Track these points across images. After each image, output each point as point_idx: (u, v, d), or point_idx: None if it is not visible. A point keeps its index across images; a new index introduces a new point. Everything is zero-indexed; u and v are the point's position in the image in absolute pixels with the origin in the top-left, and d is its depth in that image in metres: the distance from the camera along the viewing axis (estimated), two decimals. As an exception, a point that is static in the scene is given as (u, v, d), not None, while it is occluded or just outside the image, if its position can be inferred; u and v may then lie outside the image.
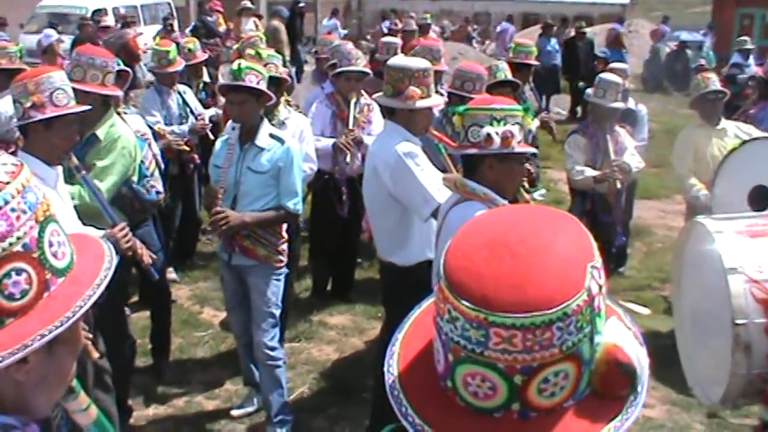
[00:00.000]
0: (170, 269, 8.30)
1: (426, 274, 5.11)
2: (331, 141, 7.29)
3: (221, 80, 9.32)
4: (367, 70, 7.59)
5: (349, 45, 7.85)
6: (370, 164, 5.17)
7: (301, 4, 18.68)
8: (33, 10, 25.45)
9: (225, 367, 6.79)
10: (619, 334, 1.51)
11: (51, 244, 1.54)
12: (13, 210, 1.46)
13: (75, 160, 4.59)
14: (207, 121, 8.37)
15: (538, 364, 1.41)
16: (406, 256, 5.14)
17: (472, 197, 4.01)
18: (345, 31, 22.60)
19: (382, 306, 7.55)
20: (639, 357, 1.51)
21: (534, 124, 6.89)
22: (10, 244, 1.46)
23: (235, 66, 5.36)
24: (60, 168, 4.42)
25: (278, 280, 5.60)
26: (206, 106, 8.96)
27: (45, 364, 1.55)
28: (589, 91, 7.64)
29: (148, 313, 6.93)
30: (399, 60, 5.39)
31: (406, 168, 4.87)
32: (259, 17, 20.18)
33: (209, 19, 17.65)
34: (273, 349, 5.62)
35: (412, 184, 4.88)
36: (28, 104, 4.20)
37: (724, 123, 7.57)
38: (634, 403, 1.51)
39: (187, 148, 7.99)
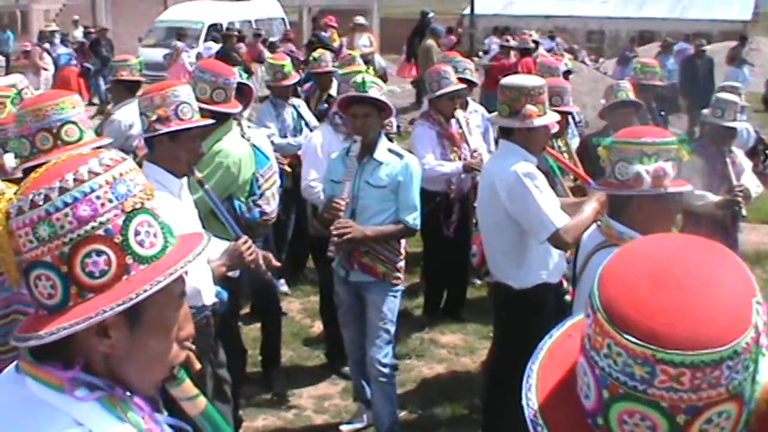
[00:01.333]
0: (281, 281, 8.36)
1: (541, 297, 5.01)
2: (456, 164, 7.24)
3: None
4: (461, 85, 7.55)
5: (441, 67, 7.73)
6: (486, 184, 5.06)
7: (431, 14, 18.46)
8: (152, 25, 26.20)
9: (335, 381, 6.78)
10: None
11: (137, 233, 1.69)
12: (98, 197, 1.64)
13: (198, 174, 4.64)
14: None
15: (704, 404, 1.33)
16: (522, 278, 5.02)
17: (618, 243, 3.59)
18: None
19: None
20: None
21: None
22: (93, 228, 1.64)
23: (359, 79, 5.37)
24: (184, 179, 4.47)
25: (395, 297, 5.57)
26: (321, 119, 9.00)
27: (128, 341, 1.70)
28: (706, 111, 7.33)
29: (259, 324, 6.97)
30: (514, 79, 5.29)
31: (525, 189, 4.74)
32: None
33: (323, 34, 17.82)
34: (386, 365, 5.59)
35: (530, 207, 4.75)
36: (154, 117, 4.26)
37: None
38: None
39: (287, 167, 7.96)
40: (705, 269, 1.39)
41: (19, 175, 3.77)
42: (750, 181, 6.99)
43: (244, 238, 4.57)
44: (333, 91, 9.35)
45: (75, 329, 1.60)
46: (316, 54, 9.79)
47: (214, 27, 23.63)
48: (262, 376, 6.70)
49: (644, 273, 1.39)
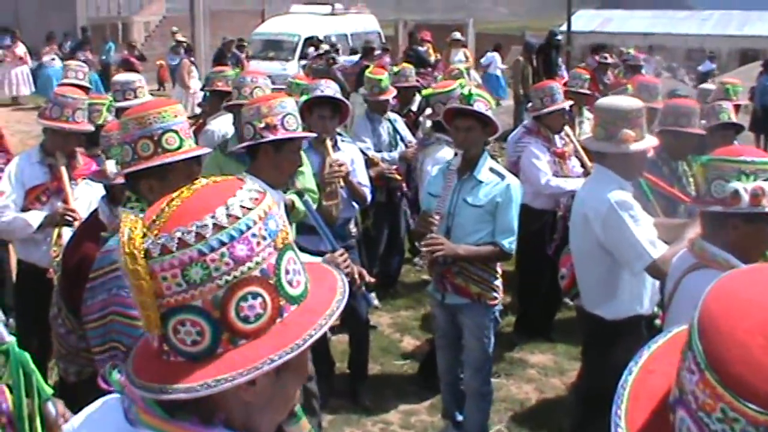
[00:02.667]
0: (372, 295, 8.38)
1: (634, 330, 4.84)
2: (579, 181, 7.07)
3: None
4: (570, 102, 7.55)
5: (550, 83, 7.68)
6: (579, 211, 4.88)
7: (558, 37, 18.26)
8: (249, 37, 26.61)
9: (423, 397, 6.75)
10: None
11: (287, 272, 1.59)
12: (254, 235, 1.53)
13: (299, 184, 4.71)
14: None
15: None
16: (614, 309, 4.85)
17: (711, 264, 3.53)
18: (503, 66, 22.17)
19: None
20: None
21: None
22: (249, 269, 1.52)
23: (465, 91, 5.31)
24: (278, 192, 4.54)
25: (491, 318, 5.51)
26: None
27: (272, 387, 1.60)
28: None
29: (347, 337, 7.00)
30: (611, 101, 5.07)
31: (620, 219, 4.56)
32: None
33: (420, 48, 17.87)
34: (484, 384, 5.60)
35: (625, 237, 4.57)
36: (261, 125, 4.36)
37: None
38: None
39: (398, 177, 8.02)
40: None
41: (120, 180, 3.89)
42: None
43: (341, 250, 4.61)
44: (414, 107, 9.41)
45: (239, 381, 1.48)
46: (397, 68, 9.83)
47: (309, 40, 23.87)
48: (350, 389, 6.72)
49: (756, 326, 1.24)
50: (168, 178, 3.37)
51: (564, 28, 32.67)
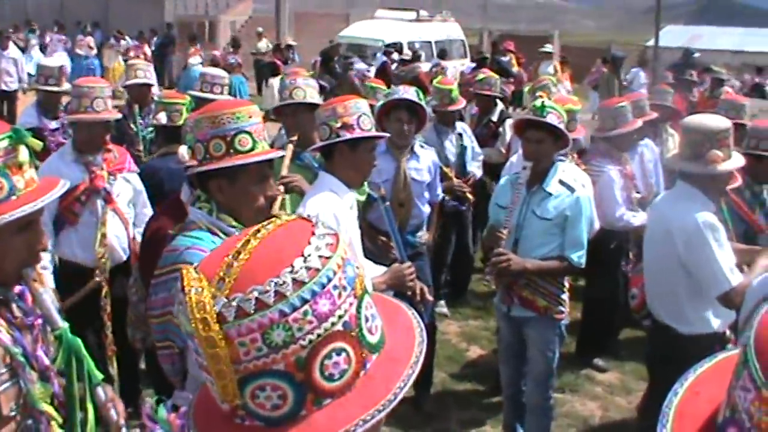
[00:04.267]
0: (441, 302, 8.36)
1: (706, 346, 4.75)
2: (644, 217, 7.02)
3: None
4: (639, 123, 7.35)
5: (619, 103, 7.42)
6: (661, 227, 4.81)
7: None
8: (335, 40, 26.75)
9: (485, 408, 6.73)
10: None
11: (366, 319, 1.46)
12: (335, 287, 1.39)
13: (383, 190, 4.73)
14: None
15: None
16: (690, 323, 4.80)
17: None
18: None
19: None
20: None
21: None
22: (332, 324, 1.39)
23: (538, 102, 5.27)
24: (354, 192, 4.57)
25: (557, 332, 5.45)
26: (483, 143, 8.96)
27: None
28: None
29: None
30: (698, 120, 4.94)
31: (705, 241, 4.53)
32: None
33: (503, 59, 17.80)
34: (547, 399, 5.55)
35: (707, 260, 4.54)
36: (339, 125, 4.40)
37: None
38: None
39: (470, 197, 7.94)
40: None
41: (192, 163, 4.00)
42: None
43: (409, 263, 4.62)
44: (495, 117, 9.31)
45: None
46: (481, 75, 9.74)
47: (393, 46, 23.93)
48: (413, 396, 6.68)
49: None
50: (239, 180, 3.36)
51: (651, 43, 32.32)
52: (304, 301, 1.35)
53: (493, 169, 8.69)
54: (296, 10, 33.41)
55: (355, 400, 1.41)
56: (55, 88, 7.83)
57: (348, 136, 4.40)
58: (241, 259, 1.38)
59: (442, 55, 24.48)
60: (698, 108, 14.71)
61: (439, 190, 6.60)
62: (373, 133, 4.57)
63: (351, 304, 1.42)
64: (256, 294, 1.34)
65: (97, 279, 5.52)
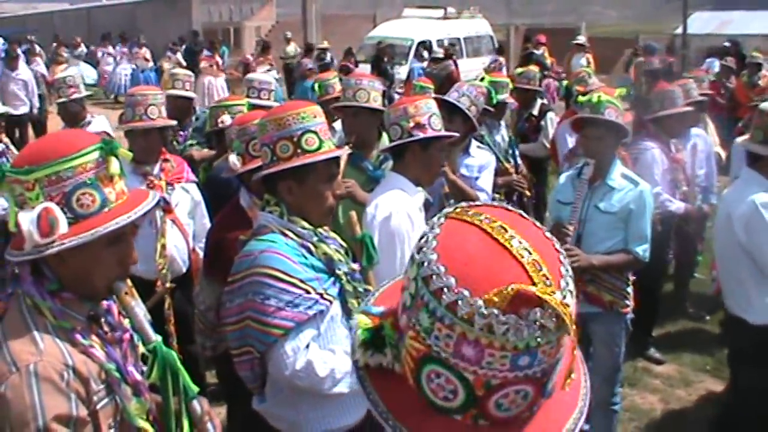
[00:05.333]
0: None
1: None
2: (681, 205, 7.10)
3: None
4: (690, 108, 7.28)
5: (671, 86, 7.42)
6: (724, 211, 4.83)
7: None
8: (361, 42, 26.79)
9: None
10: None
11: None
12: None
13: (447, 188, 4.71)
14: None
15: None
16: (759, 313, 4.74)
17: None
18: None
19: (711, 358, 7.22)
20: None
21: None
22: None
23: (594, 98, 5.22)
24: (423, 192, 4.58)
25: (623, 326, 5.41)
26: (523, 139, 8.91)
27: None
28: None
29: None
30: None
31: (763, 221, 4.52)
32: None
33: (536, 52, 17.71)
34: (614, 395, 5.53)
35: (766, 240, 4.53)
36: (412, 124, 4.42)
37: None
38: None
39: (527, 192, 7.82)
40: None
41: (245, 169, 4.04)
42: None
43: None
44: (535, 110, 9.24)
45: None
46: (520, 69, 9.69)
47: (422, 44, 23.90)
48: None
49: None
50: (308, 180, 3.41)
51: (680, 31, 32.08)
52: None
53: (534, 164, 8.65)
54: (323, 12, 33.42)
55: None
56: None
57: (421, 135, 4.44)
58: (530, 249, 1.39)
59: (477, 51, 24.50)
60: (737, 95, 14.60)
61: (489, 187, 6.52)
62: (445, 132, 4.61)
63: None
64: (569, 272, 1.39)
65: (166, 287, 5.45)
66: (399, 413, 1.44)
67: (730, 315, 5.02)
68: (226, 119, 6.17)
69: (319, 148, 3.40)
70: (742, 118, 9.85)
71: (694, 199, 7.37)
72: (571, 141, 7.81)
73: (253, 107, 6.42)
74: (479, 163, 6.30)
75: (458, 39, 26.76)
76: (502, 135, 7.98)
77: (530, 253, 1.36)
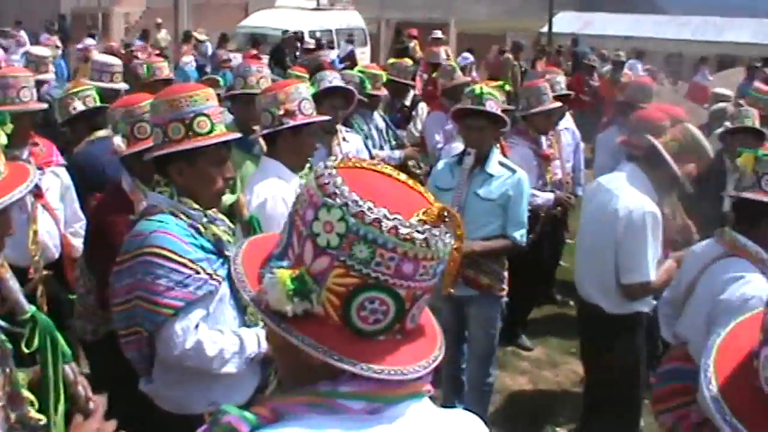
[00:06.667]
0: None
1: (632, 324, 5.00)
2: (549, 196, 7.27)
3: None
4: (559, 103, 7.52)
5: (540, 83, 7.63)
6: (608, 206, 4.87)
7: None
8: (233, 31, 26.52)
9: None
10: None
11: None
12: None
13: None
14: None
15: None
16: (615, 303, 4.96)
17: (740, 254, 3.72)
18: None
19: (576, 341, 7.51)
20: None
21: None
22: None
23: (477, 90, 5.34)
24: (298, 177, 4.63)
25: (498, 309, 5.58)
26: (398, 127, 9.02)
27: None
28: None
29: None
30: (696, 132, 4.91)
31: (644, 230, 4.68)
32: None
33: (410, 45, 17.95)
34: (488, 375, 5.69)
35: (639, 248, 4.71)
36: (281, 112, 4.45)
37: None
38: None
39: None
40: None
41: (129, 152, 4.05)
42: None
43: None
44: (407, 101, 9.41)
45: None
46: (393, 60, 9.83)
47: (295, 35, 23.87)
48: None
49: None
50: (198, 163, 3.42)
51: (545, 29, 32.93)
52: None
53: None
54: (194, 0, 32.90)
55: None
56: None
57: (291, 123, 4.47)
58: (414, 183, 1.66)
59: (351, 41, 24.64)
60: (602, 92, 15.18)
61: None
62: (315, 118, 4.65)
63: None
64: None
65: (42, 274, 5.26)
66: (337, 349, 1.57)
67: (586, 302, 5.19)
68: (78, 105, 6.10)
69: (210, 132, 3.41)
70: (606, 114, 10.25)
71: (569, 187, 7.64)
72: (438, 136, 8.03)
73: (99, 91, 6.44)
74: (355, 148, 6.42)
75: (331, 30, 26.82)
76: (376, 124, 8.10)
77: (410, 182, 1.64)
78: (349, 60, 19.29)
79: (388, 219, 1.52)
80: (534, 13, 53.71)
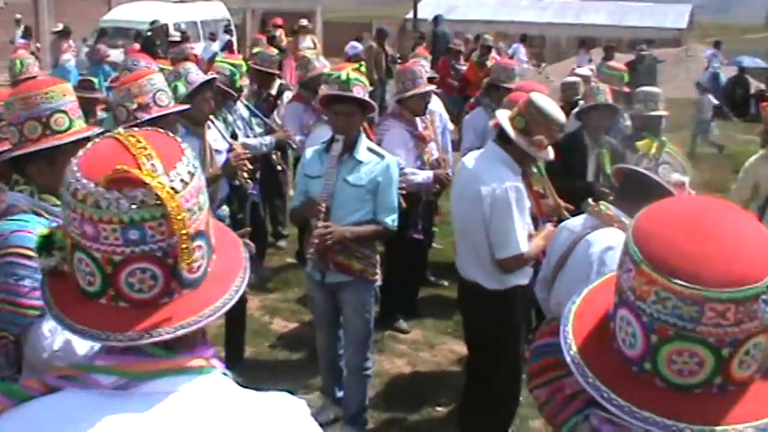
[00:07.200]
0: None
1: (512, 299, 5.08)
2: (428, 174, 7.32)
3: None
4: (433, 86, 7.68)
5: (414, 66, 7.72)
6: (473, 187, 4.91)
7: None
8: (96, 25, 25.92)
9: (296, 376, 6.82)
10: None
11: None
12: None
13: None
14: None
15: (744, 336, 1.54)
16: (494, 279, 5.04)
17: (615, 224, 3.85)
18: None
19: (451, 321, 7.64)
20: None
21: None
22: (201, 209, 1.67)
23: (343, 76, 5.32)
24: None
25: (372, 294, 5.61)
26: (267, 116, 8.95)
27: None
28: (637, 105, 7.62)
29: (219, 321, 6.95)
30: (544, 102, 4.92)
31: (509, 206, 4.76)
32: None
33: (276, 34, 17.86)
34: (365, 360, 5.72)
35: (506, 223, 4.79)
36: (134, 106, 4.35)
37: None
38: None
39: (247, 167, 7.70)
40: (729, 220, 1.62)
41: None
42: None
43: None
44: (273, 90, 9.34)
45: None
46: (257, 50, 9.72)
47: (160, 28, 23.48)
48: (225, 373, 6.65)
49: (679, 226, 1.61)
50: (58, 161, 3.28)
51: (410, 15, 33.23)
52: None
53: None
54: (54, -6, 31.98)
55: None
56: None
57: (146, 116, 4.41)
58: (150, 150, 1.59)
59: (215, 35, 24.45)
60: (469, 75, 15.42)
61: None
62: (172, 108, 4.58)
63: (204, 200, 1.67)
64: (187, 169, 1.61)
65: None
66: (62, 306, 1.62)
67: (465, 280, 5.27)
68: None
69: (68, 129, 3.33)
70: (472, 96, 10.39)
71: (446, 165, 7.70)
72: (294, 128, 7.98)
73: None
74: (213, 139, 6.33)
75: (195, 23, 26.48)
76: (240, 114, 8.01)
77: (146, 149, 1.58)
78: (229, 50, 19.49)
79: (73, 181, 1.57)
80: (401, 1, 54.07)
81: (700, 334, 1.53)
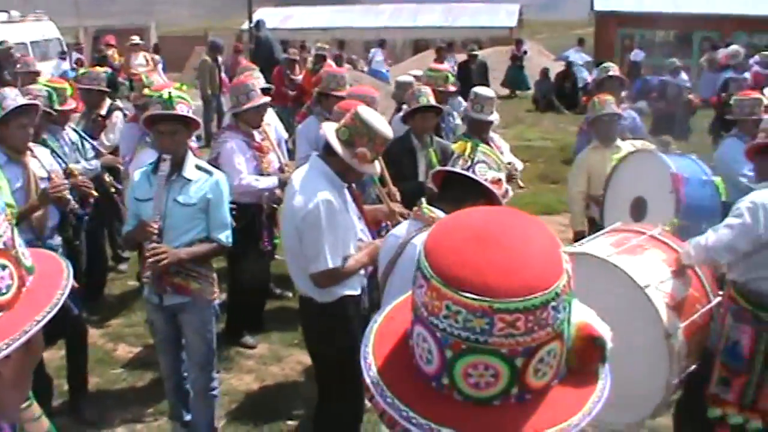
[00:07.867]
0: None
1: (344, 309, 5.07)
2: (272, 179, 7.33)
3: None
4: (268, 98, 7.65)
5: (248, 80, 7.72)
6: (292, 201, 4.87)
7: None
8: None
9: (144, 403, 6.71)
10: (585, 312, 1.68)
11: (20, 244, 1.67)
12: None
13: None
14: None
15: (537, 344, 1.53)
16: (322, 293, 5.01)
17: None
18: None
19: (297, 332, 7.64)
20: (605, 331, 1.67)
21: None
22: None
23: (165, 94, 5.21)
24: None
25: (211, 312, 5.55)
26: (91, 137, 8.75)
27: (22, 360, 1.64)
28: (467, 106, 7.89)
29: (61, 353, 6.79)
30: (370, 116, 4.86)
31: (318, 220, 4.70)
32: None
33: (108, 53, 17.50)
34: (211, 380, 5.65)
35: (315, 237, 4.74)
36: None
37: (620, 143, 7.69)
38: (604, 374, 1.68)
39: (92, 192, 7.49)
40: (516, 229, 1.62)
41: None
42: (513, 159, 7.78)
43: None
44: (103, 111, 9.15)
45: (13, 348, 1.52)
46: (83, 70, 9.49)
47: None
48: (70, 405, 6.51)
49: (467, 238, 1.59)
50: None
51: (246, 26, 33.04)
52: None
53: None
54: None
55: (23, 309, 1.59)
56: None
57: None
58: None
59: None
60: (304, 83, 15.46)
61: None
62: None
63: (7, 228, 1.63)
64: None
65: None
66: None
67: (301, 295, 5.25)
68: None
69: None
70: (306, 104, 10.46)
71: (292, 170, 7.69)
72: (130, 145, 7.85)
73: None
74: (48, 164, 6.18)
75: (25, 43, 25.60)
76: (69, 139, 7.84)
77: None
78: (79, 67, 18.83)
79: None
80: (236, 11, 53.74)
81: (493, 345, 1.51)
